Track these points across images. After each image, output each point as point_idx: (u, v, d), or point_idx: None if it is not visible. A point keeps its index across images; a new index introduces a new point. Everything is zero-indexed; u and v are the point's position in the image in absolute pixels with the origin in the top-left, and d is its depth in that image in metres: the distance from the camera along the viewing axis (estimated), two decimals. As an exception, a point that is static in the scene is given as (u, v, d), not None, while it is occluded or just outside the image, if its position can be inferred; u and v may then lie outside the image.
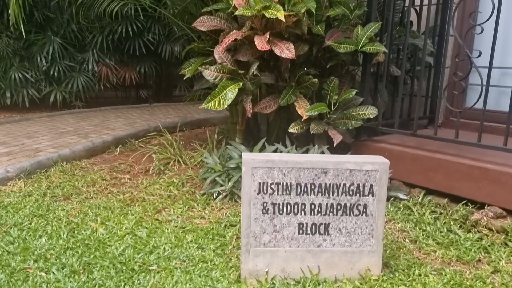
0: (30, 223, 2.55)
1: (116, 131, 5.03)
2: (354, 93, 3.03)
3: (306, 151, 3.15)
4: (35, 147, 4.16)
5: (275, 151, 3.16)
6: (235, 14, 2.75)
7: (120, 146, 4.57)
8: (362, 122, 3.02)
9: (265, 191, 1.91)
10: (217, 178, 3.07)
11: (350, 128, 3.03)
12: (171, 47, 7.30)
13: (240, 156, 3.12)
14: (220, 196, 3.01)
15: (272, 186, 1.91)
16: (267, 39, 2.71)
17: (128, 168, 3.82)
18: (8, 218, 2.59)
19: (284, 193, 1.91)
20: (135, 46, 7.14)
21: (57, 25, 6.74)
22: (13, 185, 3.21)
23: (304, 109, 3.03)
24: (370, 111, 3.03)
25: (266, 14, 2.66)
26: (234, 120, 3.85)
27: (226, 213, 2.76)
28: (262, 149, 3.15)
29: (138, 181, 3.45)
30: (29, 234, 2.40)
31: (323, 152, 3.10)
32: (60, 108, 6.82)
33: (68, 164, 3.83)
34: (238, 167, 3.06)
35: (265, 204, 1.92)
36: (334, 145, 3.02)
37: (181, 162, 3.81)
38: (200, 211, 2.82)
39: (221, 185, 3.03)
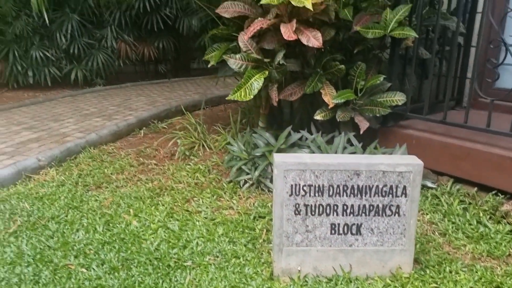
0: (66, 216, 2.64)
1: (139, 112, 5.07)
2: (381, 79, 2.97)
3: (332, 139, 3.14)
4: (62, 131, 4.24)
5: (300, 139, 3.15)
6: (261, 3, 2.68)
7: (144, 128, 4.62)
8: (389, 109, 2.97)
9: (297, 193, 1.93)
10: (243, 167, 3.10)
11: (378, 115, 2.99)
12: (188, 21, 7.19)
13: (266, 144, 3.14)
14: (247, 185, 3.04)
15: (305, 188, 1.92)
16: (294, 28, 2.65)
17: (154, 152, 3.87)
18: (45, 211, 2.69)
19: (317, 194, 1.93)
20: (153, 21, 7.05)
21: (74, 1, 6.68)
22: (45, 174, 3.30)
23: (330, 96, 2.99)
24: (398, 98, 2.98)
25: (293, 3, 2.58)
26: (257, 103, 3.83)
27: (254, 203, 2.80)
28: (287, 137, 3.14)
29: (165, 167, 3.50)
30: (66, 227, 2.49)
31: (349, 139, 3.08)
32: (81, 86, 6.87)
33: (95, 149, 3.90)
34: (264, 155, 3.07)
35: (297, 205, 1.94)
36: (361, 132, 2.99)
37: (206, 147, 3.84)
38: (228, 200, 2.87)
39: (247, 173, 3.06)
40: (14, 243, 2.32)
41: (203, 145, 3.87)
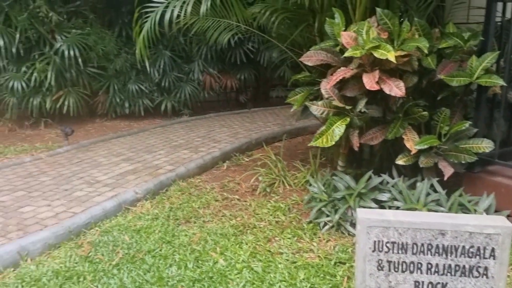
0: (161, 250, 2.91)
1: (222, 144, 5.37)
2: (467, 125, 2.92)
3: (414, 183, 3.12)
4: (155, 163, 4.64)
5: (381, 182, 3.17)
6: (344, 55, 2.79)
7: (227, 161, 4.89)
8: (476, 156, 2.89)
9: (380, 249, 1.98)
10: (323, 208, 3.18)
11: (463, 162, 2.93)
12: (269, 54, 7.51)
13: (346, 187, 3.19)
14: (327, 227, 3.11)
15: (388, 244, 1.97)
16: (376, 78, 2.72)
17: (236, 187, 4.09)
18: (142, 244, 2.98)
19: (400, 251, 1.96)
20: (236, 55, 7.47)
21: (167, 39, 7.30)
22: (141, 206, 3.65)
23: (413, 142, 2.99)
24: (485, 145, 2.90)
25: (375, 55, 2.67)
26: (336, 142, 3.90)
27: (334, 247, 2.86)
28: (367, 180, 3.17)
29: (247, 202, 3.69)
30: (161, 262, 2.75)
31: (432, 185, 3.04)
32: (170, 116, 7.43)
33: (183, 182, 4.22)
34: (344, 198, 3.13)
35: (380, 261, 1.99)
36: (445, 178, 2.95)
37: (286, 184, 3.98)
38: (308, 242, 2.96)
39: (327, 215, 3.14)
40: (117, 275, 2.62)
41: (283, 182, 4.02)
